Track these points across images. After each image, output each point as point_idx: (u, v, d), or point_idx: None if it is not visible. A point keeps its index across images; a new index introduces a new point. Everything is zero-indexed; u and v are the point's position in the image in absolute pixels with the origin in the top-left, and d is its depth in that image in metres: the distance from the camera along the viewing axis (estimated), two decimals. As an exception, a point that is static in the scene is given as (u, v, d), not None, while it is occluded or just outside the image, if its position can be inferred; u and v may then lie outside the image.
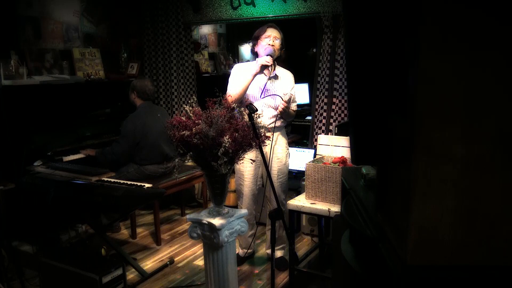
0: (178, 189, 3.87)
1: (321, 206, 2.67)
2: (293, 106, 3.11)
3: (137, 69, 4.58)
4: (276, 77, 3.00)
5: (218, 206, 2.17)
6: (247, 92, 2.91)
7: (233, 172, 3.94)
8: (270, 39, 2.91)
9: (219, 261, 2.16)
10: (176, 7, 4.55)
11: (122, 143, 3.54)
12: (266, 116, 2.94)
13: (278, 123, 3.00)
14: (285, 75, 3.05)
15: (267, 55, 2.83)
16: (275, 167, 3.05)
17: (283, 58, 3.08)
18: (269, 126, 2.94)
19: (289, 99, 3.02)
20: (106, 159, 3.57)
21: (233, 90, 2.90)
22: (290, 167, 3.87)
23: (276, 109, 2.95)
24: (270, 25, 2.99)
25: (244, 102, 2.89)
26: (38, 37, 3.85)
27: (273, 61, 2.90)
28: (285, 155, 3.09)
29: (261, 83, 2.95)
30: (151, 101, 3.77)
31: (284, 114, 2.95)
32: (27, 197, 3.16)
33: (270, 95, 2.93)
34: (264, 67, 2.85)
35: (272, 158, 3.01)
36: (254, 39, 3.00)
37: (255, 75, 2.85)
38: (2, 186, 3.08)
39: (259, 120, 2.12)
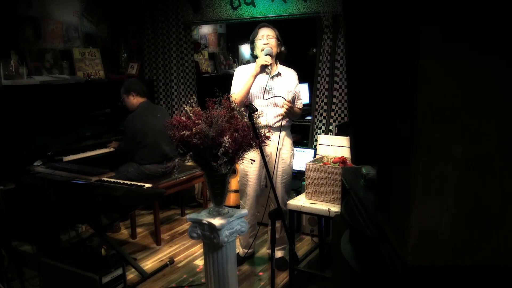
0: (178, 189, 3.87)
1: (321, 206, 2.67)
2: (299, 104, 3.11)
3: (137, 69, 4.58)
4: (278, 75, 3.00)
5: (218, 206, 2.17)
6: (250, 92, 2.91)
7: (234, 172, 3.95)
8: (264, 39, 2.92)
9: (219, 261, 2.16)
10: (176, 7, 4.55)
11: (125, 142, 3.56)
12: (271, 115, 2.94)
13: (284, 122, 3.00)
14: (287, 73, 3.05)
15: (266, 55, 2.84)
16: (279, 168, 3.05)
17: (284, 56, 3.08)
18: (275, 126, 2.95)
19: (294, 97, 3.02)
20: (117, 155, 3.69)
21: (235, 92, 2.92)
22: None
23: (282, 107, 2.95)
24: (261, 25, 3.01)
25: (244, 102, 2.89)
26: (38, 37, 3.85)
27: (274, 60, 2.92)
28: (289, 156, 3.09)
29: (264, 82, 2.94)
30: (149, 100, 3.78)
31: (289, 114, 2.95)
32: (27, 197, 3.15)
33: (273, 96, 2.92)
34: (264, 67, 2.85)
35: (277, 158, 3.01)
36: (250, 43, 3.04)
37: (256, 75, 2.86)
38: (2, 186, 3.08)
39: (259, 120, 2.12)
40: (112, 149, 3.85)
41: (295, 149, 3.97)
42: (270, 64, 2.86)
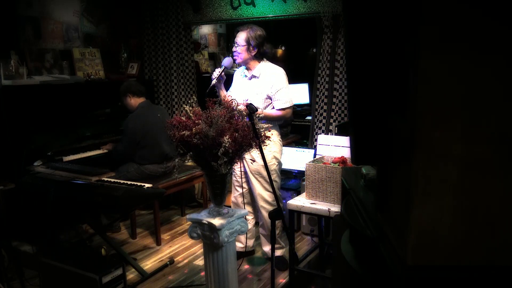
0: (178, 189, 3.87)
1: (321, 206, 2.67)
2: (277, 104, 3.00)
3: (137, 69, 4.58)
4: (253, 77, 3.06)
5: (218, 206, 2.17)
6: (238, 95, 2.94)
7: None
8: (234, 46, 3.03)
9: (219, 261, 2.16)
10: (176, 7, 4.55)
11: (124, 142, 3.56)
12: None
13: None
14: (267, 74, 3.02)
15: (221, 66, 3.00)
16: (253, 167, 3.05)
17: (270, 55, 3.11)
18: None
19: (270, 98, 3.01)
20: (113, 156, 3.67)
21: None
22: (290, 167, 3.89)
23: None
24: (236, 30, 3.07)
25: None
26: (38, 37, 3.85)
27: (254, 61, 3.02)
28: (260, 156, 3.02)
29: (243, 84, 3.08)
30: (149, 100, 3.78)
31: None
32: (27, 197, 3.15)
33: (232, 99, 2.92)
34: (215, 78, 2.96)
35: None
36: None
37: (216, 85, 2.98)
38: (2, 186, 3.08)
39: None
40: (105, 151, 3.79)
41: (295, 149, 3.98)
42: (218, 76, 2.95)
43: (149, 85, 4.56)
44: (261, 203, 3.11)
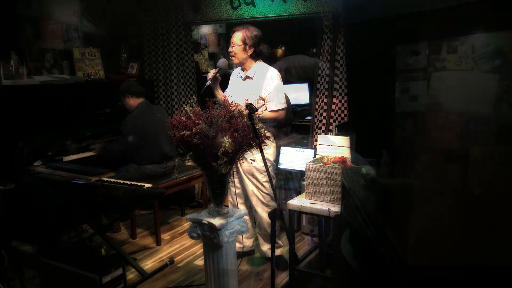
0: (178, 189, 3.87)
1: (321, 206, 2.67)
2: (270, 106, 2.99)
3: (137, 69, 4.58)
4: (247, 78, 3.06)
5: (218, 206, 2.17)
6: (232, 95, 2.93)
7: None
8: (230, 46, 3.03)
9: (219, 261, 2.16)
10: (176, 7, 4.55)
11: (121, 142, 3.55)
12: None
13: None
14: (261, 75, 3.02)
15: (216, 67, 3.04)
16: (245, 167, 3.05)
17: (266, 55, 3.13)
18: None
19: (263, 99, 3.00)
20: (106, 156, 3.62)
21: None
22: (290, 167, 3.88)
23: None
24: (233, 30, 3.06)
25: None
26: (38, 37, 3.85)
27: (250, 61, 3.02)
28: (259, 158, 2.98)
29: (238, 85, 3.10)
30: (147, 101, 3.78)
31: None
32: (27, 197, 3.15)
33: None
34: (210, 79, 2.99)
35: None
36: None
37: (211, 86, 3.02)
38: (2, 186, 3.08)
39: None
40: (94, 153, 3.70)
41: (295, 149, 3.98)
42: (213, 77, 2.98)
43: (149, 85, 4.56)
44: (255, 203, 3.11)
